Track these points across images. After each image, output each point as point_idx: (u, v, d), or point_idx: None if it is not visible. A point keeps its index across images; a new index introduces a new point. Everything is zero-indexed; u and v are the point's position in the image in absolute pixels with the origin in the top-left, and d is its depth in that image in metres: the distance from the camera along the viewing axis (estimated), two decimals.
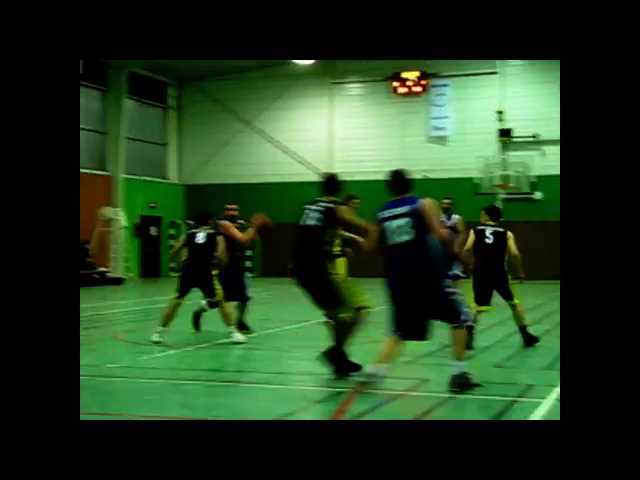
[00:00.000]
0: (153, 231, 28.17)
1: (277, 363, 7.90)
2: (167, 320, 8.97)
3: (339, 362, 6.09)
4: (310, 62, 25.57)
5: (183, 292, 8.92)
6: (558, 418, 4.12)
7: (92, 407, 5.52)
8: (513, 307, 8.14)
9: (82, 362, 6.47)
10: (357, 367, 6.05)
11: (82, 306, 11.11)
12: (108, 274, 23.69)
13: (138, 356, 8.42)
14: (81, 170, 22.17)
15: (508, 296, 8.03)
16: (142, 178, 26.94)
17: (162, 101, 29.14)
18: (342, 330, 6.14)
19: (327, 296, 6.11)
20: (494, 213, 8.57)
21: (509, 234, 8.23)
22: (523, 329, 8.06)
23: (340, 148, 25.83)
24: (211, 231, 9.02)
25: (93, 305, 15.67)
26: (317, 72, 26.39)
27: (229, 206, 9.86)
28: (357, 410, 5.12)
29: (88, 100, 24.15)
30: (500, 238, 8.16)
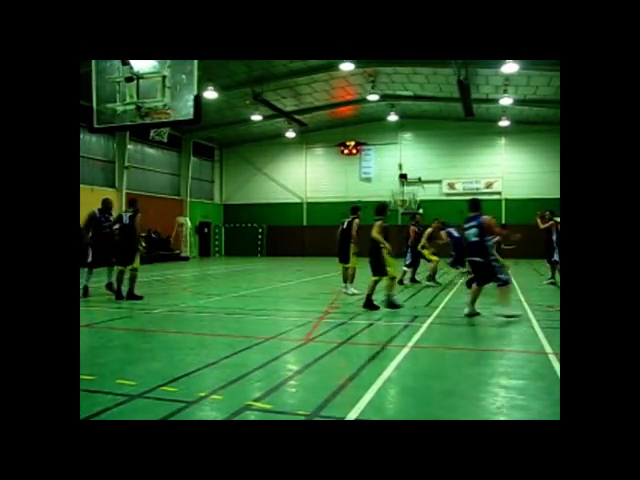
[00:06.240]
0: (205, 230, 33.14)
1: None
2: (351, 280, 10.66)
3: None
4: (294, 135, 31.87)
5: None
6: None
7: (170, 327, 6.25)
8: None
9: (166, 302, 8.19)
10: None
11: (165, 272, 15.54)
12: (181, 254, 28.09)
13: (198, 300, 9.67)
14: (165, 196, 29.21)
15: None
16: (199, 200, 32.63)
17: (211, 158, 35.32)
18: None
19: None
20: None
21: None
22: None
23: (310, 183, 33.74)
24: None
25: (172, 272, 17.61)
26: (298, 142, 33.63)
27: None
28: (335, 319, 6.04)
29: (170, 157, 30.58)
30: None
